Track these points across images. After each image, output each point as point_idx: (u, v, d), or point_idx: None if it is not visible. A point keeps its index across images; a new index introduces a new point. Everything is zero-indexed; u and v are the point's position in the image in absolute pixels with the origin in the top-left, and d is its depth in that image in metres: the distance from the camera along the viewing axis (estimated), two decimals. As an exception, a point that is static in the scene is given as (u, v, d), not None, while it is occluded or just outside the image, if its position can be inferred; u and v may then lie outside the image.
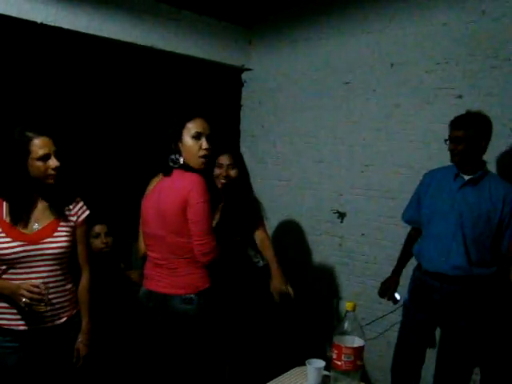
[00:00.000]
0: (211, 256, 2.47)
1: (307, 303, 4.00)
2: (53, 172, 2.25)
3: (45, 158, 2.23)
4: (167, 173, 2.53)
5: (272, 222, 4.18)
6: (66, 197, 2.41)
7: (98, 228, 3.19)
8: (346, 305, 1.87)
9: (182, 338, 2.47)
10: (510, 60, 3.20)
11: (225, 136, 4.15)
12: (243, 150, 4.47)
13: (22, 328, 2.26)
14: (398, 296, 3.21)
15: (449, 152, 2.89)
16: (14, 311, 2.24)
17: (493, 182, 2.85)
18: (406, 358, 3.05)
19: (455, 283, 2.83)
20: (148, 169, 2.71)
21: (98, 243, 3.20)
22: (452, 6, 3.39)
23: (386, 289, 3.21)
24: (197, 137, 2.47)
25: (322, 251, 4.07)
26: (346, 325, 1.87)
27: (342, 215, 3.94)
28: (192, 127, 2.48)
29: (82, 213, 2.44)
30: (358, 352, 1.84)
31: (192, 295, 2.46)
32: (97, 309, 2.54)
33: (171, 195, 2.46)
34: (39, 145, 2.22)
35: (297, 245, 4.24)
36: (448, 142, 2.89)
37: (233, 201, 3.06)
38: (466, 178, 2.87)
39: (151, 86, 4.04)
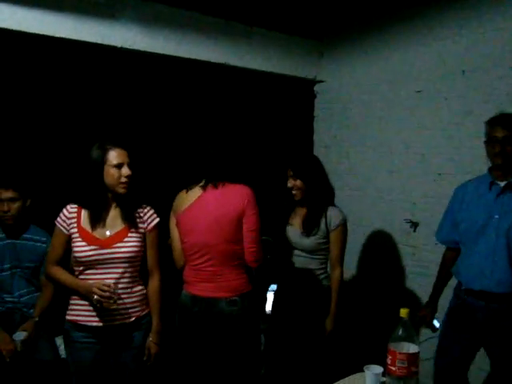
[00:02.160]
0: (260, 262, 2.69)
1: (380, 312, 3.99)
2: (125, 179, 2.48)
3: (119, 166, 2.47)
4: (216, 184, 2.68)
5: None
6: (135, 205, 2.61)
7: None
8: (401, 311, 1.90)
9: (228, 339, 2.63)
10: None
11: (298, 147, 4.26)
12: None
13: (95, 324, 2.49)
14: (437, 323, 3.05)
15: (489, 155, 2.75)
16: (89, 308, 2.48)
17: None
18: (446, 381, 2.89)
19: (501, 301, 2.62)
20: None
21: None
22: (524, 10, 3.32)
23: (423, 318, 3.06)
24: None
25: (396, 261, 4.04)
26: (400, 331, 1.90)
27: (414, 224, 3.90)
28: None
29: (152, 220, 2.64)
30: (412, 358, 1.86)
31: (236, 298, 2.64)
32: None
33: (227, 205, 2.62)
34: (115, 154, 2.48)
35: (369, 255, 4.25)
36: (487, 144, 2.74)
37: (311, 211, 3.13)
38: (502, 184, 2.70)
39: (226, 101, 4.21)
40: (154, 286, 2.67)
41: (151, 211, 2.67)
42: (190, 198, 2.72)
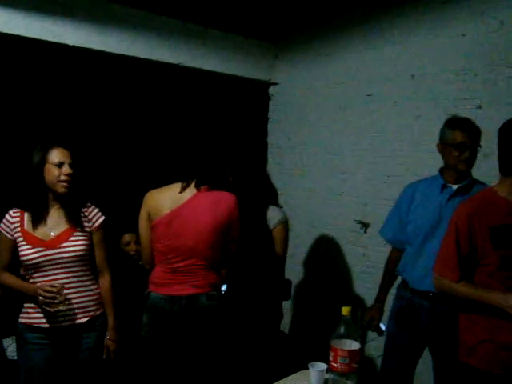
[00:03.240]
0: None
1: (331, 311, 4.05)
2: (64, 178, 2.48)
3: (60, 165, 2.48)
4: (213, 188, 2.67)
5: (297, 232, 4.29)
6: (79, 205, 2.60)
7: (127, 237, 3.38)
8: (342, 309, 1.95)
9: (209, 332, 2.63)
10: (529, 70, 3.21)
11: (252, 148, 4.29)
12: (270, 161, 4.60)
13: (47, 326, 2.48)
14: (383, 326, 3.04)
15: (444, 159, 2.78)
16: (40, 310, 2.46)
17: (478, 188, 2.70)
18: (395, 379, 2.90)
19: (444, 302, 2.58)
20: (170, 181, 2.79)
21: (128, 250, 3.39)
22: (471, 17, 3.42)
23: (371, 320, 3.04)
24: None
25: (346, 261, 4.12)
26: (342, 329, 1.94)
27: (365, 225, 3.98)
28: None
29: (97, 219, 2.64)
30: (354, 355, 1.91)
31: (214, 292, 2.66)
32: (124, 310, 2.71)
33: (219, 213, 2.62)
34: (56, 153, 2.49)
35: (321, 254, 4.32)
36: (446, 148, 2.74)
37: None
38: (454, 187, 2.74)
39: (179, 102, 4.20)
40: (105, 285, 2.67)
41: (96, 210, 2.67)
42: (174, 200, 2.64)
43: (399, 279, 3.03)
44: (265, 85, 4.61)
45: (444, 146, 2.76)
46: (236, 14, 4.01)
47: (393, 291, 3.08)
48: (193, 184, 2.65)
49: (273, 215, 3.14)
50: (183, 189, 2.64)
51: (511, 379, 2.13)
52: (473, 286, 2.21)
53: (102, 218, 2.67)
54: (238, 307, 3.08)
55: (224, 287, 2.94)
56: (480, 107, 3.38)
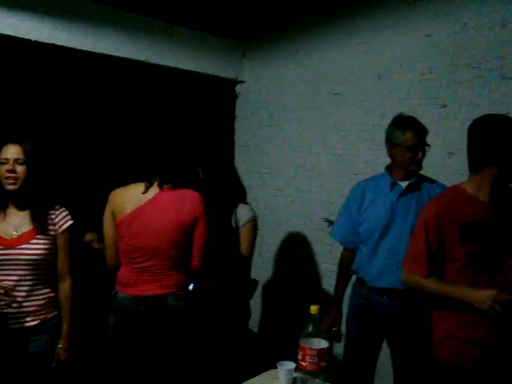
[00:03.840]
0: (202, 266, 2.71)
1: (299, 309, 4.06)
2: (6, 175, 2.43)
3: (5, 162, 2.43)
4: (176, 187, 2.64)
5: (264, 231, 4.28)
6: (46, 206, 2.53)
7: (89, 235, 3.30)
8: (311, 308, 1.94)
9: (176, 332, 2.61)
10: (492, 70, 3.26)
11: (219, 146, 4.26)
12: (237, 160, 4.58)
13: None
14: (343, 331, 3.01)
15: (397, 159, 2.79)
16: None
17: (428, 185, 2.80)
18: (356, 379, 2.92)
19: (403, 297, 2.69)
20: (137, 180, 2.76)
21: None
22: (435, 17, 3.46)
23: (332, 325, 3.00)
24: None
25: (313, 259, 4.13)
26: (310, 328, 1.94)
27: (332, 223, 3.99)
28: None
29: (65, 222, 2.58)
30: (322, 353, 1.91)
31: (181, 292, 2.64)
32: (86, 312, 2.66)
33: (183, 212, 2.60)
34: (4, 150, 2.45)
35: (288, 253, 4.33)
36: (396, 148, 2.77)
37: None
38: (404, 185, 2.78)
39: (145, 100, 4.15)
40: (64, 291, 2.62)
41: (64, 213, 2.61)
42: (137, 199, 2.62)
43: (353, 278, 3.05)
44: (232, 83, 4.59)
45: (394, 146, 2.78)
46: (203, 11, 3.98)
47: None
48: (156, 183, 2.63)
49: (243, 213, 3.13)
50: (146, 188, 2.62)
51: (476, 373, 2.17)
52: (441, 281, 2.25)
53: (70, 222, 2.61)
54: (206, 306, 3.06)
55: (191, 286, 2.91)
56: (445, 106, 3.43)
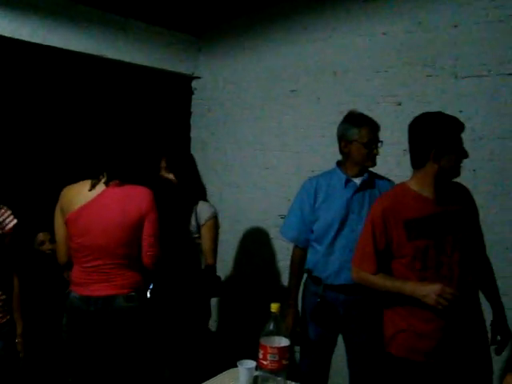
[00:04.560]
0: (157, 264, 2.65)
1: (258, 307, 4.05)
2: None
3: None
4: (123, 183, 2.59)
5: (222, 228, 4.23)
6: None
7: (41, 235, 3.22)
8: (272, 306, 1.93)
9: (129, 334, 2.56)
10: (445, 69, 3.33)
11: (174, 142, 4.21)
12: (194, 156, 4.51)
13: None
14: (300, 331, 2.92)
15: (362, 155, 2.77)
16: None
17: (380, 182, 2.82)
18: (312, 375, 2.91)
19: (359, 292, 2.68)
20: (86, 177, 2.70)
21: (43, 250, 3.23)
22: (391, 16, 3.51)
23: (295, 326, 2.90)
24: None
25: (272, 256, 4.13)
26: (271, 326, 1.93)
27: (289, 220, 4.00)
28: None
29: (9, 222, 2.50)
30: (283, 351, 1.90)
31: (133, 293, 2.58)
32: (38, 312, 2.58)
33: (130, 209, 2.55)
34: None
35: (246, 250, 4.31)
36: (352, 145, 2.76)
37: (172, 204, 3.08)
38: (358, 181, 2.79)
39: (98, 95, 4.06)
40: (14, 291, 2.55)
41: (7, 213, 2.52)
42: (84, 196, 2.57)
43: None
44: (188, 78, 4.54)
45: (349, 143, 2.78)
46: (158, 6, 3.91)
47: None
48: (103, 180, 2.58)
49: (203, 211, 3.10)
50: (93, 185, 2.57)
51: (427, 366, 2.21)
52: (390, 277, 2.28)
53: (14, 221, 2.53)
54: (166, 306, 3.01)
55: (151, 286, 2.87)
56: (400, 104, 3.48)
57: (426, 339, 2.21)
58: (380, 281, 2.28)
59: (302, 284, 3.01)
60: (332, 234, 2.78)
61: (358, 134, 2.74)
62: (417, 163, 2.30)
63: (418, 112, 3.21)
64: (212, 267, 3.11)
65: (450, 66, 3.31)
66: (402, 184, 2.38)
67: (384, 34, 3.54)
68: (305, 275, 2.97)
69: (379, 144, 2.77)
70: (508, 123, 3.10)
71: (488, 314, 2.44)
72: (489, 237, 2.55)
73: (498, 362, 2.71)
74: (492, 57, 3.18)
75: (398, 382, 2.29)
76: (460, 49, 3.28)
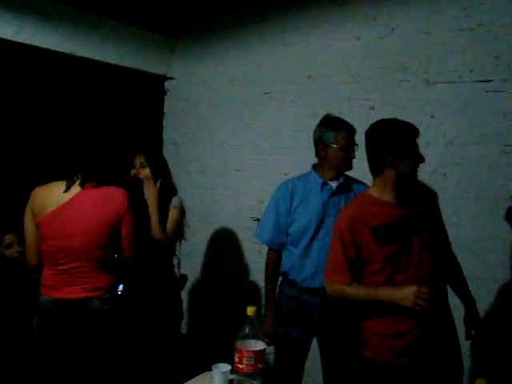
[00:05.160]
0: (133, 261, 2.69)
1: (230, 310, 4.05)
2: None
3: None
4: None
5: (194, 230, 4.21)
6: None
7: (8, 238, 3.15)
8: (248, 309, 1.93)
9: (102, 337, 2.53)
10: (417, 74, 3.37)
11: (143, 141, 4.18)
12: (166, 157, 4.48)
13: None
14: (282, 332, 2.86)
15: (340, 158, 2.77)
16: None
17: (355, 186, 2.82)
18: (286, 378, 2.91)
19: None
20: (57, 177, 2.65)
21: (10, 253, 3.16)
22: (364, 22, 3.54)
23: (274, 330, 2.84)
24: None
25: (243, 258, 4.13)
26: (247, 329, 1.93)
27: (261, 223, 4.01)
28: None
29: None
30: (259, 355, 1.90)
31: (107, 296, 2.56)
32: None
33: (106, 210, 2.53)
34: None
35: (217, 252, 4.30)
36: (330, 148, 2.76)
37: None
38: (334, 184, 2.79)
39: (71, 94, 4.00)
40: None
41: None
42: (57, 198, 2.52)
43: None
44: (161, 79, 4.50)
45: (326, 146, 2.78)
46: (132, 5, 3.88)
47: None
48: (78, 182, 2.55)
49: (172, 201, 3.11)
50: (68, 187, 2.53)
51: (403, 367, 2.23)
52: (363, 286, 2.30)
53: None
54: (137, 308, 2.98)
55: (120, 287, 2.84)
56: (373, 108, 3.51)
57: (400, 340, 2.23)
58: (354, 291, 2.28)
59: (278, 288, 3.00)
60: (308, 237, 2.77)
61: (334, 138, 2.75)
62: (375, 170, 2.32)
63: (390, 116, 3.28)
64: (166, 249, 3.11)
65: (422, 71, 3.35)
66: (364, 192, 2.42)
67: (358, 38, 3.57)
68: (280, 278, 2.96)
69: (355, 147, 2.79)
70: (478, 129, 3.16)
71: (457, 311, 2.48)
72: (460, 241, 2.59)
73: (466, 362, 2.75)
74: (463, 64, 3.23)
75: None
76: (432, 55, 3.33)
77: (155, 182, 3.06)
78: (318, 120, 3.70)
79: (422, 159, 2.29)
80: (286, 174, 3.87)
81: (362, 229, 2.26)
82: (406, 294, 2.12)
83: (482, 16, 3.16)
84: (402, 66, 3.42)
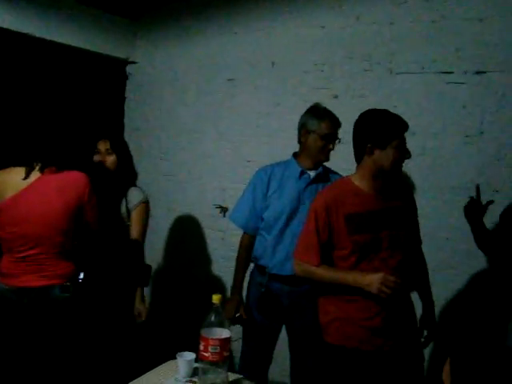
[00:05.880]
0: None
1: (192, 298, 4.03)
2: None
3: None
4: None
5: (156, 217, 4.18)
6: None
7: None
8: (213, 297, 1.92)
9: (63, 326, 2.50)
10: (381, 64, 3.40)
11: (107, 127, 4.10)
12: (127, 143, 4.42)
13: None
14: (243, 316, 2.92)
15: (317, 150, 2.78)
16: None
17: (333, 176, 2.83)
18: (254, 365, 2.94)
19: (303, 284, 2.70)
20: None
21: None
22: (330, 10, 3.54)
23: (236, 311, 2.90)
24: None
25: (206, 246, 4.11)
26: (212, 317, 1.92)
27: (224, 210, 4.00)
28: None
29: None
30: (224, 343, 1.90)
31: (68, 284, 2.53)
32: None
33: (67, 195, 2.47)
34: None
35: (180, 240, 4.28)
36: (310, 136, 2.76)
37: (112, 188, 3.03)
38: (312, 174, 2.80)
39: (27, 76, 3.88)
40: None
41: None
42: (16, 184, 2.46)
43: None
44: (123, 63, 4.41)
45: (308, 133, 2.78)
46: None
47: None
48: (38, 167, 2.49)
49: (133, 196, 3.06)
50: (27, 173, 2.47)
51: (362, 353, 2.28)
52: (332, 268, 2.32)
53: None
54: (98, 297, 2.94)
55: (81, 275, 2.79)
56: (336, 97, 3.53)
57: (360, 327, 2.28)
58: (322, 272, 2.30)
59: (250, 274, 3.02)
60: (281, 223, 2.79)
61: (317, 126, 2.75)
62: (357, 158, 2.35)
63: (354, 106, 3.31)
64: (140, 254, 3.08)
65: (386, 61, 3.38)
66: (345, 178, 2.43)
67: (323, 27, 3.57)
68: (252, 265, 2.99)
69: (337, 141, 2.79)
70: (439, 119, 3.22)
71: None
72: (421, 229, 2.63)
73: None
74: (425, 55, 3.28)
75: (334, 369, 2.35)
76: (395, 45, 3.36)
77: (120, 171, 3.02)
78: (281, 108, 3.75)
79: (405, 154, 2.29)
80: (249, 161, 3.86)
81: (336, 213, 2.27)
82: (372, 279, 2.15)
83: (445, 8, 3.21)
84: (366, 55, 3.44)
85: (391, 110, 2.40)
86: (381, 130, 2.25)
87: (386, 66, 3.39)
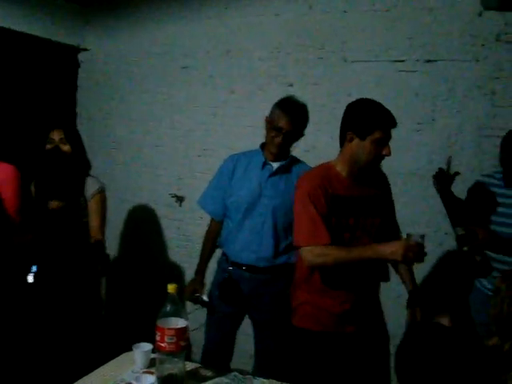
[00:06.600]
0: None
1: (149, 288, 4.00)
2: None
3: None
4: None
5: (110, 208, 4.10)
6: None
7: None
8: (168, 287, 1.90)
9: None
10: (335, 53, 3.43)
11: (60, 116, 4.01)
12: (80, 133, 4.33)
13: None
14: (205, 298, 2.94)
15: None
16: None
17: (300, 169, 2.75)
18: (215, 353, 2.93)
19: (264, 273, 2.75)
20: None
21: None
22: (284, -2, 3.55)
23: (193, 292, 2.94)
24: None
25: (162, 235, 4.09)
26: (168, 307, 1.90)
27: (180, 199, 3.97)
28: None
29: None
30: (181, 333, 1.88)
31: None
32: None
33: None
34: None
35: (135, 229, 4.23)
36: (269, 126, 2.71)
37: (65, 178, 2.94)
38: (275, 165, 2.76)
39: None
40: None
41: None
42: None
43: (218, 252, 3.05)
44: (74, 50, 4.30)
45: (268, 122, 2.74)
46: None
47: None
48: None
49: (90, 185, 2.99)
50: None
51: (328, 335, 2.32)
52: (343, 247, 2.24)
53: None
54: (52, 290, 2.87)
55: (34, 268, 2.72)
56: (291, 85, 3.54)
57: (327, 312, 2.31)
58: (337, 251, 2.21)
59: (217, 261, 3.01)
60: (241, 212, 2.78)
61: (275, 117, 2.69)
62: (340, 143, 2.33)
63: (308, 94, 3.33)
64: (100, 243, 3.00)
65: (340, 50, 3.42)
66: (328, 163, 2.39)
67: (277, 15, 3.57)
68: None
69: (285, 134, 2.67)
70: (393, 108, 3.20)
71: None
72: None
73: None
74: (378, 43, 3.32)
75: (300, 352, 2.38)
76: (349, 34, 3.40)
77: (74, 160, 2.96)
78: (236, 96, 3.74)
79: (384, 150, 2.23)
80: (205, 149, 3.85)
81: (327, 191, 2.25)
82: (396, 247, 2.11)
83: (397, -3, 3.25)
84: (320, 43, 3.47)
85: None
86: (363, 120, 2.22)
87: (339, 55, 3.42)
